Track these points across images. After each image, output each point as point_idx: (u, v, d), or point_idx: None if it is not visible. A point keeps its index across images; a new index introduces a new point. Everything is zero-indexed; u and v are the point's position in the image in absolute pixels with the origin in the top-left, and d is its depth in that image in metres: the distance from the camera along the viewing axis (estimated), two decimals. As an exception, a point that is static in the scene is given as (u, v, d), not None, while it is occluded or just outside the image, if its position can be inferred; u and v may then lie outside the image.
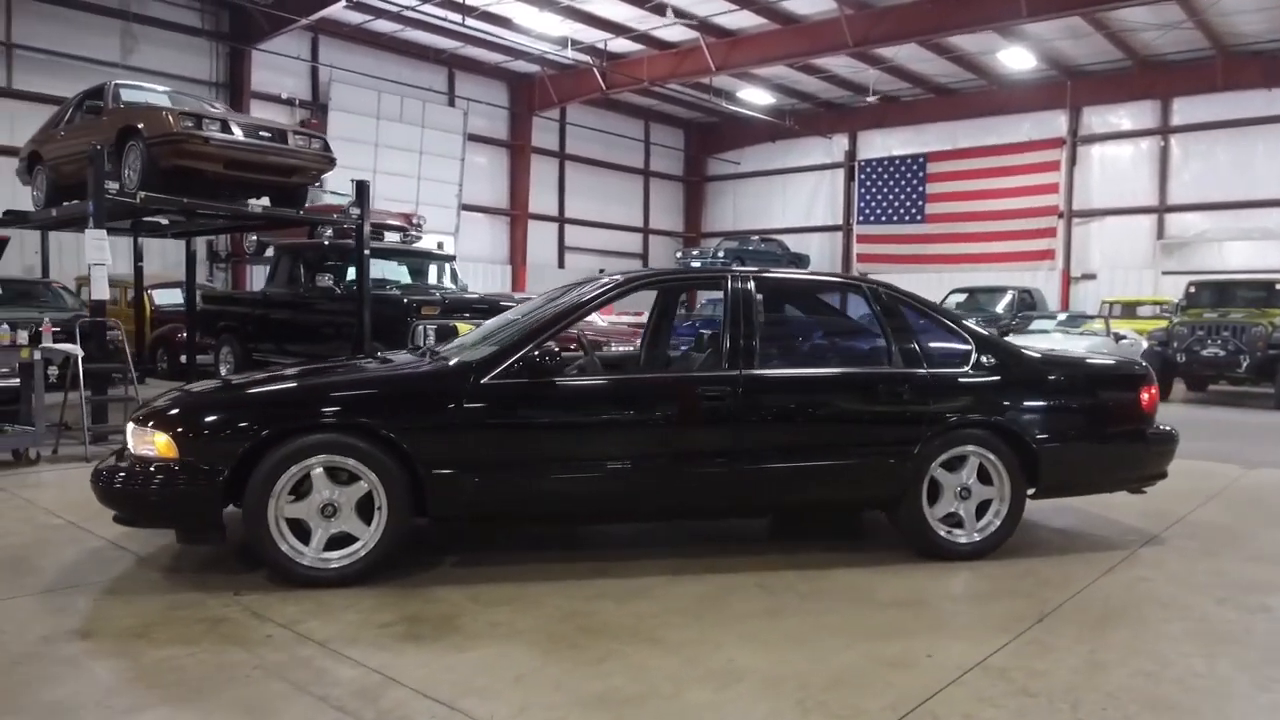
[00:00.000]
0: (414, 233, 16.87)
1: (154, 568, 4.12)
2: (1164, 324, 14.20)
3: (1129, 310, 19.63)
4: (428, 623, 3.47)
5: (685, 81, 22.46)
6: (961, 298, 20.01)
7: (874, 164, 26.12)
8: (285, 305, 11.60)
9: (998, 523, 4.46)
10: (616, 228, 27.98)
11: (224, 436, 3.78)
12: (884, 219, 25.95)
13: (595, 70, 21.88)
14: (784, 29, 19.59)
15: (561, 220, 26.51)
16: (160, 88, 10.22)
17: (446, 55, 22.45)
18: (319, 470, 3.82)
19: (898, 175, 25.62)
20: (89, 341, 7.47)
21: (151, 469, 3.77)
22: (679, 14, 19.08)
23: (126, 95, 9.28)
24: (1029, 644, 3.35)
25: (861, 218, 26.37)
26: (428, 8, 18.77)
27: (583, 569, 4.16)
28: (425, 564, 4.19)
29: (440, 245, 17.62)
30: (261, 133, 8.66)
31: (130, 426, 3.95)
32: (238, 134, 8.39)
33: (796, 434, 4.28)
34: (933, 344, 4.56)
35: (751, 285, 4.38)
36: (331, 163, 9.43)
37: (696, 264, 23.92)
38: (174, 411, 3.88)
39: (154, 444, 3.79)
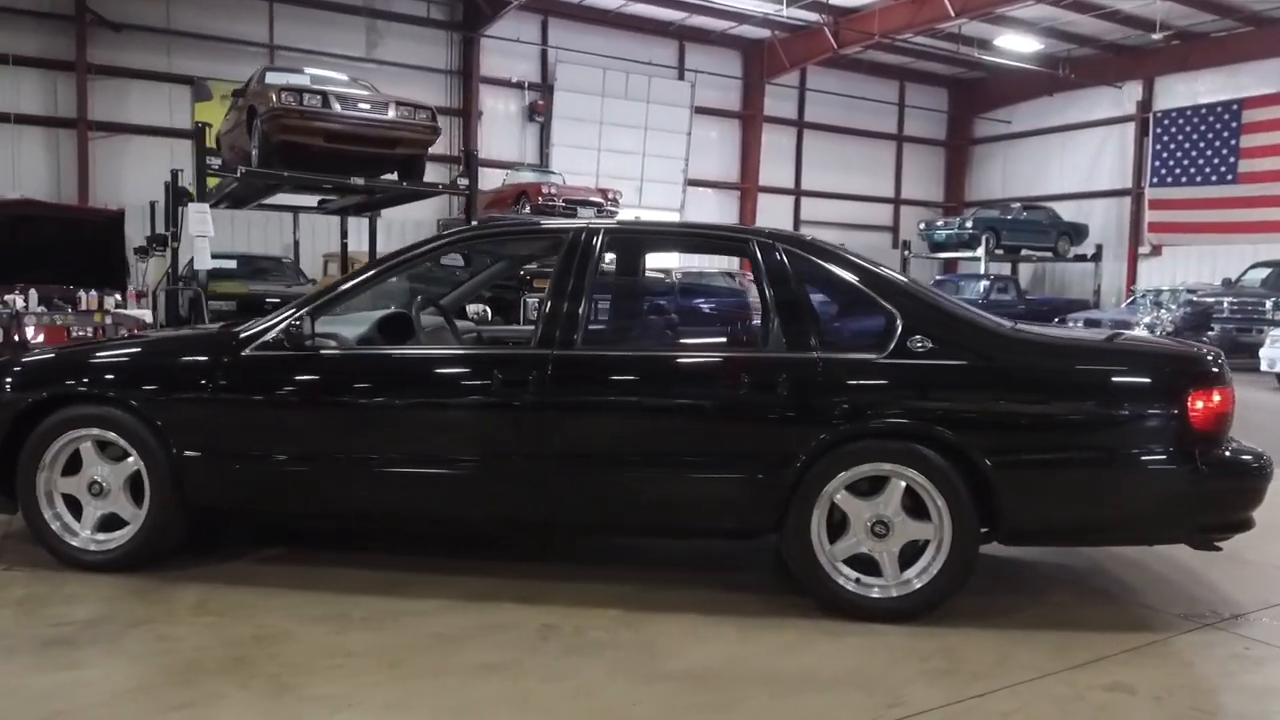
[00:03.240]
0: (609, 208, 16.73)
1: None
2: None
3: None
4: (103, 627, 3.02)
5: (925, 31, 20.11)
6: (1264, 273, 16.12)
7: (1174, 115, 21.88)
8: (429, 279, 11.87)
9: (920, 581, 3.14)
10: (862, 199, 26.02)
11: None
12: (1184, 180, 21.68)
13: (825, 28, 20.35)
14: (1034, -41, 16.86)
15: (797, 193, 25.13)
16: (310, 69, 10.74)
17: (674, 27, 22.02)
18: (88, 445, 3.51)
19: (1204, 127, 21.25)
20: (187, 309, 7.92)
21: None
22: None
23: (270, 78, 9.80)
24: (768, 774, 2.19)
25: (1156, 179, 22.24)
26: (637, -23, 18.43)
27: (380, 580, 3.47)
28: (229, 556, 3.75)
29: (637, 220, 17.29)
30: (360, 105, 8.74)
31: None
32: (335, 108, 8.51)
33: (620, 434, 3.27)
34: (840, 319, 3.31)
35: (597, 241, 3.41)
36: (436, 133, 9.34)
37: (941, 235, 21.67)
38: (-40, 377, 3.75)
39: (-54, 408, 3.68)
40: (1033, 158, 25.62)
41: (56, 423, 3.50)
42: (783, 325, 3.21)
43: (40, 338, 7.07)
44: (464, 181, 9.91)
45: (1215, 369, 3.15)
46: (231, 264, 14.93)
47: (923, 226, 22.38)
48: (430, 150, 19.62)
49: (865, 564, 3.23)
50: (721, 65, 23.28)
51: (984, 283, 19.02)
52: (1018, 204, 22.59)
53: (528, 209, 15.99)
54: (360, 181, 9.12)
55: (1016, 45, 21.43)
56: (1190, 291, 16.26)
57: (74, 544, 3.53)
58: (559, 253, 3.40)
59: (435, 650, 2.89)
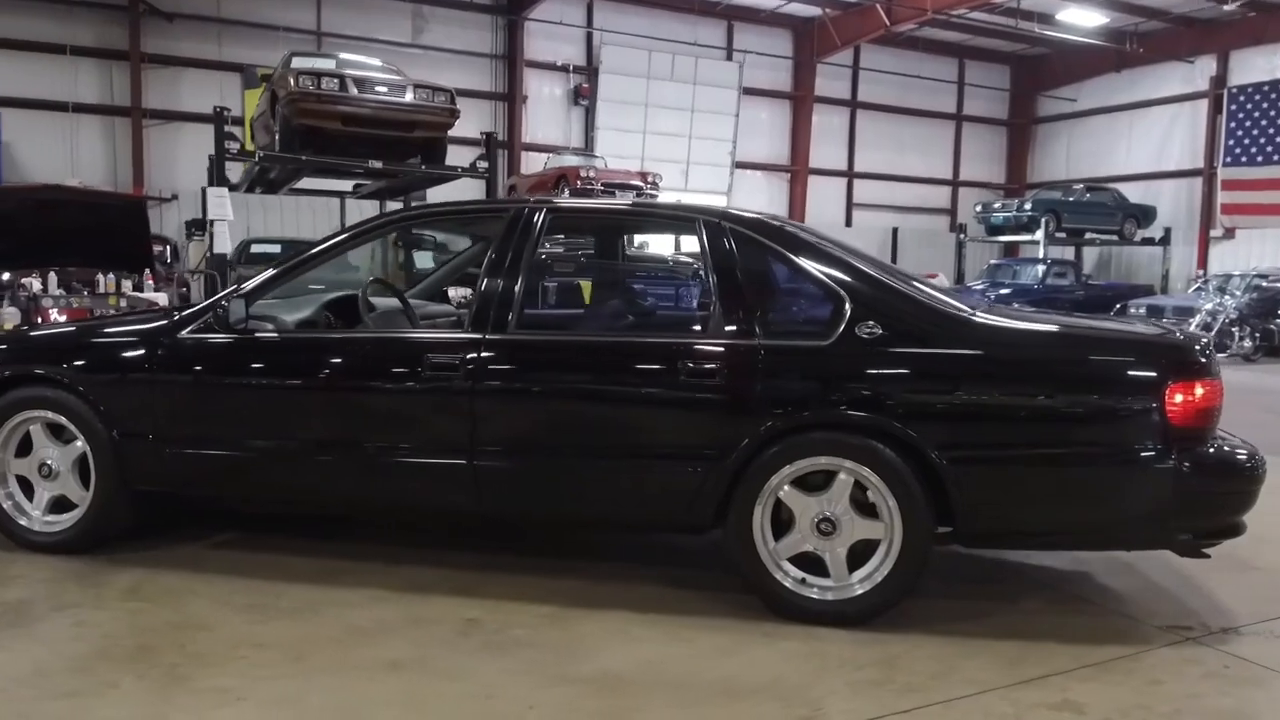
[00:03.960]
0: (649, 191, 16.52)
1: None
2: None
3: None
4: (27, 609, 3.03)
5: (982, 6, 19.34)
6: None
7: (1250, 91, 20.71)
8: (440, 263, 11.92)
9: (863, 586, 2.95)
10: (918, 181, 25.30)
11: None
12: (1260, 159, 20.53)
13: (878, 6, 19.76)
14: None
15: (850, 175, 24.55)
16: (342, 54, 10.75)
17: (722, 6, 21.62)
18: (39, 426, 3.52)
19: (1282, 103, 20.08)
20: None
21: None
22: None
23: (296, 63, 9.82)
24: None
25: (1229, 158, 21.10)
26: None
27: (323, 569, 3.40)
28: (185, 539, 3.72)
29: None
30: (378, 89, 8.70)
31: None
32: (352, 91, 8.49)
33: (554, 423, 3.13)
34: (785, 302, 3.13)
35: (537, 220, 3.26)
36: (454, 115, 9.24)
37: (999, 218, 20.93)
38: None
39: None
40: (1099, 137, 24.56)
41: (8, 404, 3.51)
42: (724, 310, 3.02)
43: (63, 319, 7.23)
44: (483, 164, 9.79)
45: (1199, 359, 2.87)
46: (275, 248, 15.23)
47: (979, 209, 21.63)
48: (476, 134, 19.68)
49: (815, 563, 3.04)
50: (771, 45, 22.81)
51: (1040, 267, 18.32)
52: (1080, 185, 21.69)
53: (566, 192, 15.92)
54: (378, 165, 9.09)
55: (1080, 19, 20.51)
56: (1260, 276, 15.41)
57: (24, 524, 3.55)
58: (498, 232, 3.26)
59: (348, 644, 2.80)
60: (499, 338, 3.11)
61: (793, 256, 3.09)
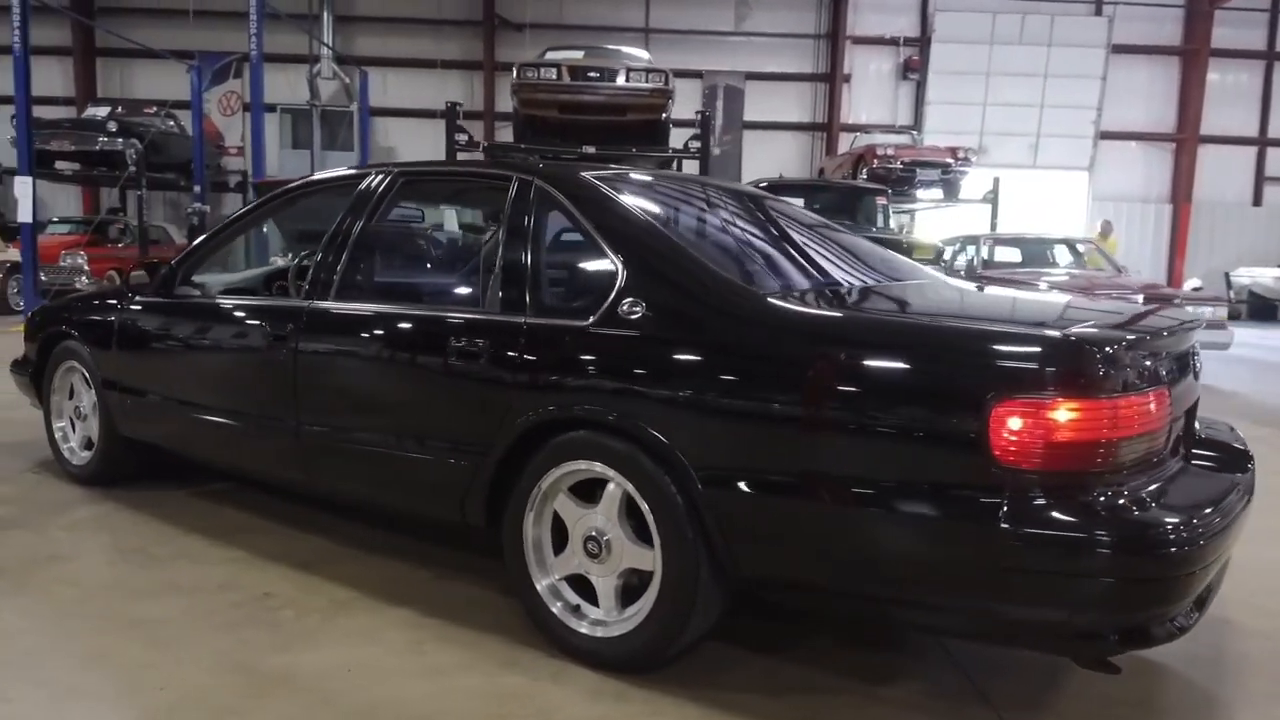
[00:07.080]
0: (958, 169, 14.93)
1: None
2: None
3: None
4: (-17, 525, 3.55)
5: None
6: None
7: None
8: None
9: (627, 625, 2.40)
10: (1367, 146, 19.90)
11: (34, 340, 4.33)
12: None
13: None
14: None
15: (1262, 143, 19.97)
16: (595, 45, 11.12)
17: (1089, -47, 18.80)
18: (77, 376, 4.14)
19: None
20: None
21: (21, 359, 4.55)
22: None
23: (550, 55, 10.38)
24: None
25: None
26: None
27: (243, 523, 3.58)
28: (185, 484, 4.12)
29: (996, 182, 15.29)
30: (590, 75, 8.85)
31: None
32: (564, 78, 8.76)
33: (346, 396, 2.95)
34: (570, 275, 2.60)
35: (375, 187, 3.10)
36: (667, 97, 9.06)
37: None
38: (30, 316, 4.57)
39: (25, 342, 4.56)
40: None
41: (56, 354, 4.17)
42: (503, 281, 2.61)
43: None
44: (695, 144, 9.51)
45: (1062, 369, 1.87)
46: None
47: None
48: (794, 118, 19.33)
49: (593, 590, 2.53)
50: (1155, -8, 19.35)
51: None
52: None
53: (865, 173, 15.00)
54: (590, 149, 9.25)
55: None
56: None
57: (66, 455, 4.19)
58: (349, 199, 3.15)
59: (142, 597, 2.89)
60: (316, 306, 3.02)
61: (582, 219, 2.58)
